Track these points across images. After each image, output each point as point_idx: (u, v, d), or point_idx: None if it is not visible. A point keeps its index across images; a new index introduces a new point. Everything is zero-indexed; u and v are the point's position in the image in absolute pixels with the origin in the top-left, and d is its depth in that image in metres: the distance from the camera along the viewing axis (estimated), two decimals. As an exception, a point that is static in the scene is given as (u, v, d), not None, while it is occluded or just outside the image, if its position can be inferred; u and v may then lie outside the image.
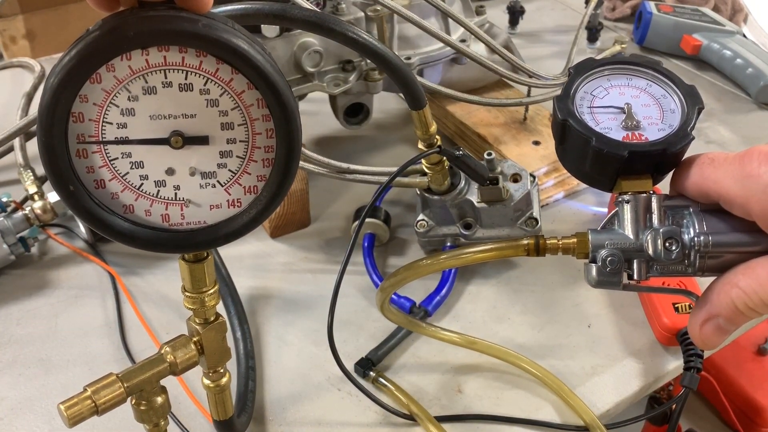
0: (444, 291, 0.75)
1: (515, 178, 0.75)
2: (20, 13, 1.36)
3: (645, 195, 0.45)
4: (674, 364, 0.70)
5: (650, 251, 0.44)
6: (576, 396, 0.65)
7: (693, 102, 0.46)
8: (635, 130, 0.46)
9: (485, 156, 0.72)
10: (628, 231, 0.45)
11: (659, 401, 1.11)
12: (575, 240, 0.47)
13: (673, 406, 0.70)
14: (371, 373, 0.67)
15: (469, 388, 0.67)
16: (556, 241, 0.48)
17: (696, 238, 0.43)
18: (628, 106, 0.47)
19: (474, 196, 0.74)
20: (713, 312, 0.43)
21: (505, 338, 0.72)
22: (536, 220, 0.75)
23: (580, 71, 0.48)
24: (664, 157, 0.45)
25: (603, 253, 0.45)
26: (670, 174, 0.47)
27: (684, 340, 0.67)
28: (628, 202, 0.45)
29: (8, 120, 0.91)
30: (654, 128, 0.46)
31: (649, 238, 0.45)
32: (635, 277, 0.45)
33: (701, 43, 1.16)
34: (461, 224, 0.77)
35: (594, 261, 0.46)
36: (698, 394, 1.34)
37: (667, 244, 0.44)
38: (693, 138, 0.45)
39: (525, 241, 0.48)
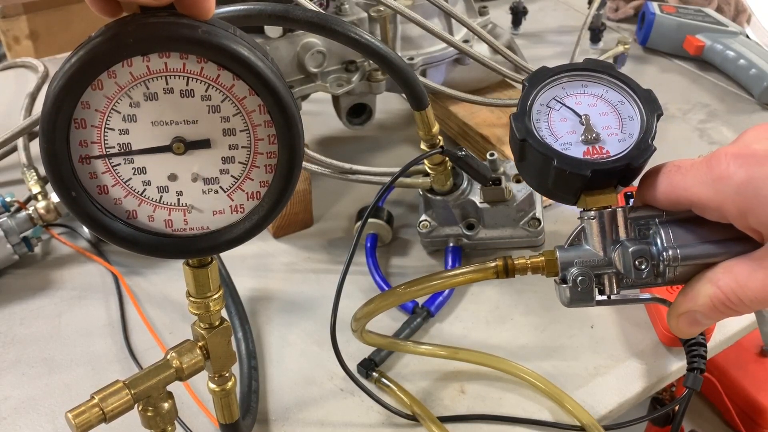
0: (447, 292, 0.75)
1: (518, 178, 0.75)
2: (24, 14, 1.37)
3: (610, 209, 0.45)
4: (677, 365, 0.70)
5: (620, 267, 0.44)
6: (566, 394, 0.65)
7: (651, 108, 0.45)
8: (595, 143, 0.45)
9: (488, 156, 0.72)
10: (596, 247, 0.45)
11: (662, 402, 1.10)
12: (543, 259, 0.46)
13: (676, 407, 0.70)
14: (374, 373, 0.68)
15: (471, 389, 0.68)
16: (524, 260, 0.47)
17: (664, 252, 0.43)
18: (587, 118, 0.46)
19: (477, 197, 0.74)
20: (692, 307, 0.44)
21: (507, 339, 0.72)
22: (539, 220, 0.75)
23: (534, 83, 0.47)
24: (627, 172, 0.44)
25: (573, 272, 0.45)
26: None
27: (687, 342, 0.67)
28: (593, 218, 0.45)
29: (12, 120, 0.91)
30: (614, 139, 0.45)
31: (617, 255, 0.44)
32: (606, 292, 0.45)
33: (704, 44, 1.16)
34: (464, 225, 0.77)
35: (564, 280, 0.45)
36: (701, 396, 1.34)
37: (636, 263, 0.44)
38: (655, 149, 0.44)
39: (493, 264, 0.48)
